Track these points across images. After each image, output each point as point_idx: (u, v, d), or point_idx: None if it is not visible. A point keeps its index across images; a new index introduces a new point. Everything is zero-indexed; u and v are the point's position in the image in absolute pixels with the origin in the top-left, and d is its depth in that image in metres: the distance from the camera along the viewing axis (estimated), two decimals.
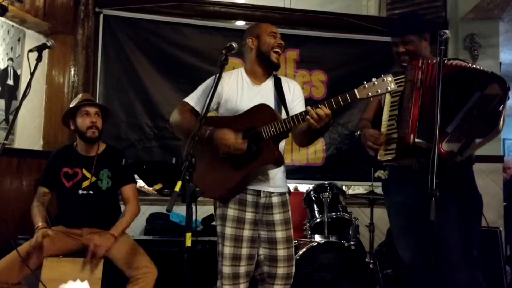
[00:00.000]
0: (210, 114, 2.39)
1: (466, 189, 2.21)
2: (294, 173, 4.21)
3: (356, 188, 4.70)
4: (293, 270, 2.29)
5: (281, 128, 2.05)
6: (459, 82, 2.03)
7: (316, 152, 4.27)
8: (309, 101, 3.72)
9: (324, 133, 2.26)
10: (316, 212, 3.35)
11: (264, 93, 2.31)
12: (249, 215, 2.22)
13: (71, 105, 2.86)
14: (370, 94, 1.92)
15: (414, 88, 2.11)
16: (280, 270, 2.23)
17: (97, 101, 3.65)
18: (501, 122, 2.01)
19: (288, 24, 4.33)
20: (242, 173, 2.15)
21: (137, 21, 4.04)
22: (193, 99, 2.32)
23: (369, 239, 3.51)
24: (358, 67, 4.28)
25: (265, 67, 2.34)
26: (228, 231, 2.20)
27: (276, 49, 2.31)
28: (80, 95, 2.93)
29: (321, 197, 3.27)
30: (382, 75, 1.91)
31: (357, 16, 4.48)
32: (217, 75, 2.03)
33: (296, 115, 2.04)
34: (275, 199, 2.27)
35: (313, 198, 3.41)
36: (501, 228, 3.85)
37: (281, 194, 2.31)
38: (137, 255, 2.61)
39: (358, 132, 2.38)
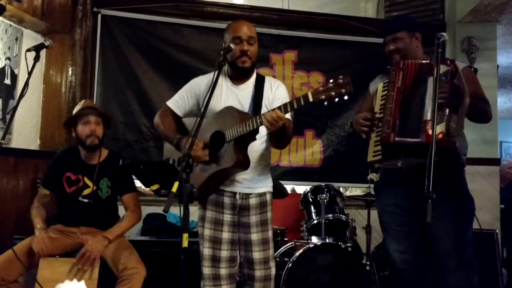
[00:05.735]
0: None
1: (458, 192, 2.22)
2: (291, 174, 4.21)
3: (353, 190, 4.71)
4: (272, 272, 2.25)
5: (242, 130, 2.01)
6: (419, 77, 2.10)
7: (313, 153, 4.27)
8: None
9: (286, 138, 2.18)
10: (313, 213, 3.35)
11: (242, 94, 2.25)
12: (227, 217, 2.22)
13: (74, 111, 2.86)
14: (323, 97, 1.83)
15: (395, 89, 2.13)
16: (257, 273, 2.21)
17: (94, 101, 3.65)
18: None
19: (286, 25, 4.34)
20: (205, 176, 2.14)
21: (135, 21, 4.03)
22: (173, 102, 2.37)
23: (366, 240, 3.51)
24: (356, 69, 4.28)
25: (238, 71, 2.25)
26: (207, 232, 2.22)
27: (241, 59, 2.19)
28: (82, 102, 2.92)
29: (318, 199, 3.26)
30: (340, 76, 1.83)
31: (355, 18, 4.47)
32: (214, 75, 2.01)
33: (254, 117, 2.00)
34: (252, 201, 2.23)
35: (310, 200, 3.40)
36: (497, 231, 3.86)
37: (260, 194, 2.26)
38: (126, 255, 2.60)
39: (350, 121, 2.39)
